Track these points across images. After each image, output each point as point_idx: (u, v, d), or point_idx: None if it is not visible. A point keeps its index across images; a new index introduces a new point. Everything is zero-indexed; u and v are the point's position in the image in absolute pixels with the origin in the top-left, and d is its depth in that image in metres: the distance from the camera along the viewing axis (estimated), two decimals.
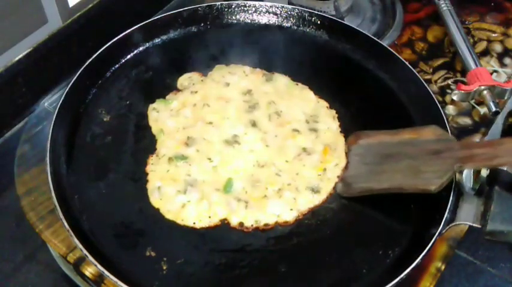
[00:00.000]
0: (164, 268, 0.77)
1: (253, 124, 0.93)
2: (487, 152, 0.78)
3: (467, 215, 0.79)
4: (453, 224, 0.79)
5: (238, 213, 0.82)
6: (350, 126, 0.94)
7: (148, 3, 1.22)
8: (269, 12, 1.11)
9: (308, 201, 0.85)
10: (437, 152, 0.80)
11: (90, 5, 1.08)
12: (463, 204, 0.80)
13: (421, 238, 0.78)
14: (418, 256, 0.75)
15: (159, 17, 1.07)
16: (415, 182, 0.79)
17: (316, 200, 0.85)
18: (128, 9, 1.16)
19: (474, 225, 0.78)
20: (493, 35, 1.21)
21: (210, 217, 0.82)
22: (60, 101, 0.91)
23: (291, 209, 0.83)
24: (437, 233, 0.77)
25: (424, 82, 0.95)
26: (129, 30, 1.03)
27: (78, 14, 1.06)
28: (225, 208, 0.83)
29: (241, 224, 0.82)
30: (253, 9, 1.11)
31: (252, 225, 0.82)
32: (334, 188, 0.87)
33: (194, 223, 0.82)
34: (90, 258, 0.74)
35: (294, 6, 1.10)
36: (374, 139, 0.87)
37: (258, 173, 0.87)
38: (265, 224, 0.82)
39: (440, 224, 0.78)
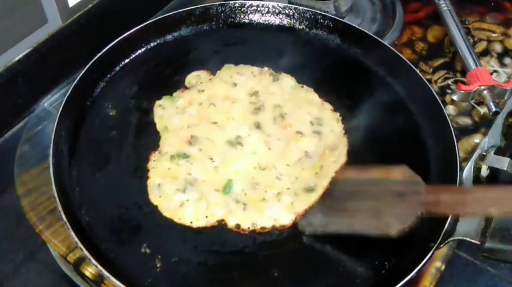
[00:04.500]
0: (158, 265, 0.77)
1: (258, 126, 0.93)
2: (454, 199, 0.74)
3: (467, 230, 0.78)
4: (452, 238, 0.78)
5: (235, 215, 0.82)
6: (354, 128, 0.94)
7: (148, 3, 1.22)
8: (282, 14, 1.11)
9: (304, 202, 0.84)
10: (403, 194, 0.76)
11: (90, 5, 1.08)
12: (463, 218, 0.79)
13: (418, 251, 0.78)
14: (414, 269, 0.74)
15: (171, 14, 1.07)
16: (376, 225, 0.75)
17: (312, 198, 0.84)
18: (128, 9, 1.16)
19: (473, 241, 0.77)
20: (493, 35, 1.21)
21: (207, 217, 0.82)
22: (68, 93, 0.91)
23: (289, 213, 0.83)
24: (434, 247, 0.76)
25: (433, 90, 0.95)
26: (140, 26, 1.03)
27: (78, 14, 1.06)
28: (222, 209, 0.83)
29: (237, 226, 0.82)
30: (266, 9, 1.11)
31: (248, 227, 0.82)
32: (330, 183, 0.86)
33: (191, 223, 0.82)
34: (85, 252, 0.74)
35: (307, 9, 1.09)
36: (341, 175, 0.86)
37: (258, 176, 0.87)
38: (262, 227, 0.82)
39: (438, 237, 0.77)
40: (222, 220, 0.82)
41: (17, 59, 0.98)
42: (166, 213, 0.82)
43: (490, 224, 0.75)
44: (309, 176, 0.87)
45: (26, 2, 0.95)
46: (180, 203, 0.83)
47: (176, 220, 0.82)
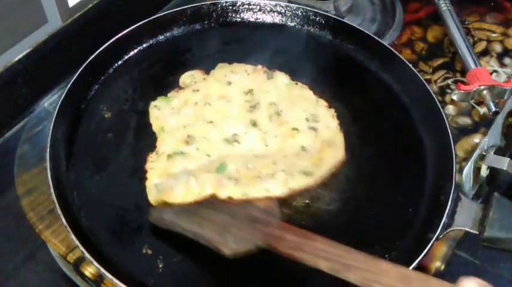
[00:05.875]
0: (160, 266, 0.77)
1: (254, 124, 0.92)
2: (296, 242, 0.72)
3: (465, 221, 0.78)
4: (450, 229, 0.78)
5: (227, 188, 0.81)
6: (349, 125, 0.94)
7: (148, 3, 1.22)
8: (273, 11, 1.11)
9: (299, 182, 0.84)
10: (255, 220, 0.77)
11: (90, 5, 1.08)
12: (461, 209, 0.79)
13: (418, 242, 0.78)
14: (415, 261, 0.74)
15: (163, 14, 1.07)
16: (215, 238, 0.75)
17: (308, 181, 0.85)
18: (128, 9, 1.16)
19: (471, 231, 0.77)
20: (493, 35, 1.21)
21: (199, 193, 0.81)
22: (62, 97, 0.91)
23: (282, 187, 0.83)
24: (434, 238, 0.76)
25: (426, 83, 0.95)
26: (133, 27, 1.03)
27: (78, 14, 1.06)
28: (214, 185, 0.82)
29: (229, 198, 0.81)
30: (258, 7, 1.11)
31: (239, 198, 0.81)
32: (330, 174, 0.86)
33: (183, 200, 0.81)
34: (87, 255, 0.74)
35: (298, 6, 1.09)
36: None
37: (253, 160, 0.87)
38: (254, 198, 0.81)
39: (437, 228, 0.77)
40: (214, 194, 0.81)
41: (17, 59, 0.98)
42: (159, 197, 0.81)
43: (489, 214, 0.76)
44: (307, 164, 0.87)
45: (26, 2, 0.95)
46: (171, 187, 0.82)
47: (168, 200, 0.81)
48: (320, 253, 0.70)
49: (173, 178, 0.83)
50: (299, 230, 0.74)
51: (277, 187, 0.82)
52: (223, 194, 0.81)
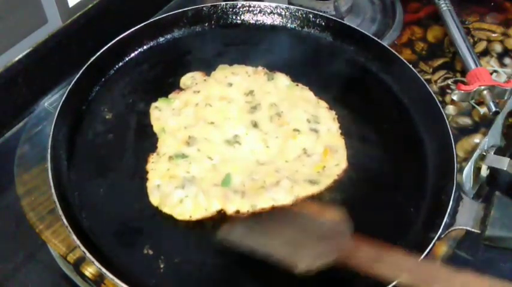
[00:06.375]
0: (161, 266, 0.77)
1: (255, 125, 0.93)
2: (372, 255, 0.71)
3: (467, 220, 0.79)
4: (452, 228, 0.78)
5: (234, 202, 0.82)
6: (350, 128, 0.94)
7: (148, 3, 1.22)
8: (274, 13, 1.11)
9: (306, 190, 0.85)
10: (327, 236, 0.76)
11: (90, 5, 1.08)
12: (462, 208, 0.80)
13: (419, 242, 0.78)
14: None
15: (164, 16, 1.07)
16: (289, 254, 0.73)
17: (314, 189, 0.85)
18: (128, 9, 1.16)
19: (473, 230, 0.78)
20: (493, 35, 1.21)
21: (206, 210, 0.82)
22: (63, 98, 0.91)
23: (288, 195, 0.83)
24: (436, 238, 0.77)
25: (426, 84, 0.95)
26: (134, 29, 1.03)
27: (78, 14, 1.06)
28: (221, 200, 0.82)
29: (237, 211, 0.82)
30: (258, 9, 1.11)
31: (248, 211, 0.82)
32: (333, 182, 0.87)
33: (190, 216, 0.82)
34: (88, 255, 0.74)
35: (298, 8, 1.10)
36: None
37: (257, 170, 0.87)
38: (262, 209, 0.82)
39: (439, 228, 0.77)
40: (221, 210, 0.82)
41: (17, 59, 0.98)
42: (166, 209, 0.82)
43: (490, 213, 0.77)
44: (311, 172, 0.87)
45: (26, 2, 0.95)
46: (180, 200, 0.82)
47: (176, 215, 0.82)
48: (398, 266, 0.70)
49: (179, 186, 0.84)
50: (373, 244, 0.73)
51: (283, 196, 0.83)
52: (230, 209, 0.82)
